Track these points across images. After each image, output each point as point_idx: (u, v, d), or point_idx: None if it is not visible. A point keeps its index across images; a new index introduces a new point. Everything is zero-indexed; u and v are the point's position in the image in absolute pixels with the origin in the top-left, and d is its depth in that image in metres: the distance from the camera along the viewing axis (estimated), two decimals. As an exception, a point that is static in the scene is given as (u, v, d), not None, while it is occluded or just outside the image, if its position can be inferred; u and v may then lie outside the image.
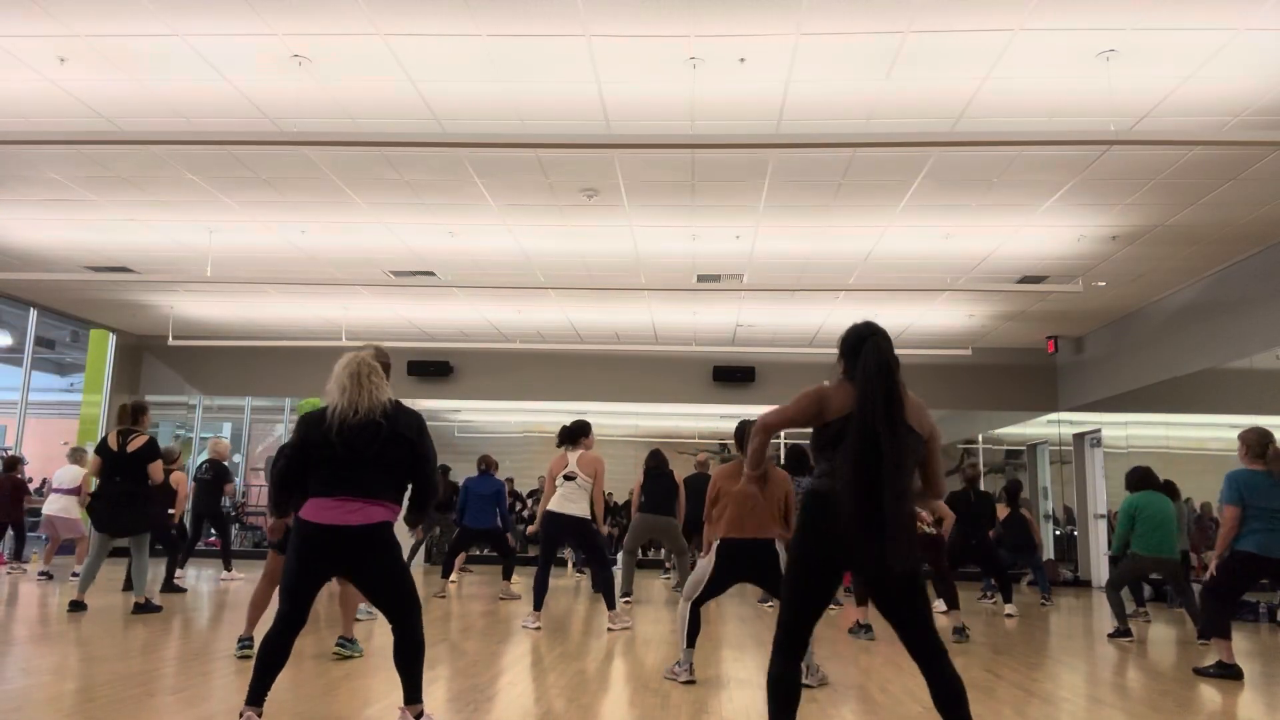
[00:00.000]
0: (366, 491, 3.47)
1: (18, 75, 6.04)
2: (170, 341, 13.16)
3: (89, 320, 14.11)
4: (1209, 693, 5.04)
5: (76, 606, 7.05)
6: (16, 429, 13.15)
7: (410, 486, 3.63)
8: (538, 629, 6.75)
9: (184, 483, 9.68)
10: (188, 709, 3.92)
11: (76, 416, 14.34)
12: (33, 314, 13.16)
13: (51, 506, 10.05)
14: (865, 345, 2.93)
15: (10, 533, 11.16)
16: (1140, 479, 7.42)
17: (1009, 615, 8.49)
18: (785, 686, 2.84)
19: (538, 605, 6.85)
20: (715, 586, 4.81)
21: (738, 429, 5.10)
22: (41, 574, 9.96)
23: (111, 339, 14.40)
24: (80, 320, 14.10)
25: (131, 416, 7.26)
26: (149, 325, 14.18)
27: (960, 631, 6.75)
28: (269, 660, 3.42)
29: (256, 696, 3.39)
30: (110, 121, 6.68)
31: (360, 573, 3.50)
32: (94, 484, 7.35)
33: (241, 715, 3.34)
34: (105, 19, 5.35)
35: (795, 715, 2.83)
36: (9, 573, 10.75)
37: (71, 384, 16.59)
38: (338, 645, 5.41)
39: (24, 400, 13.32)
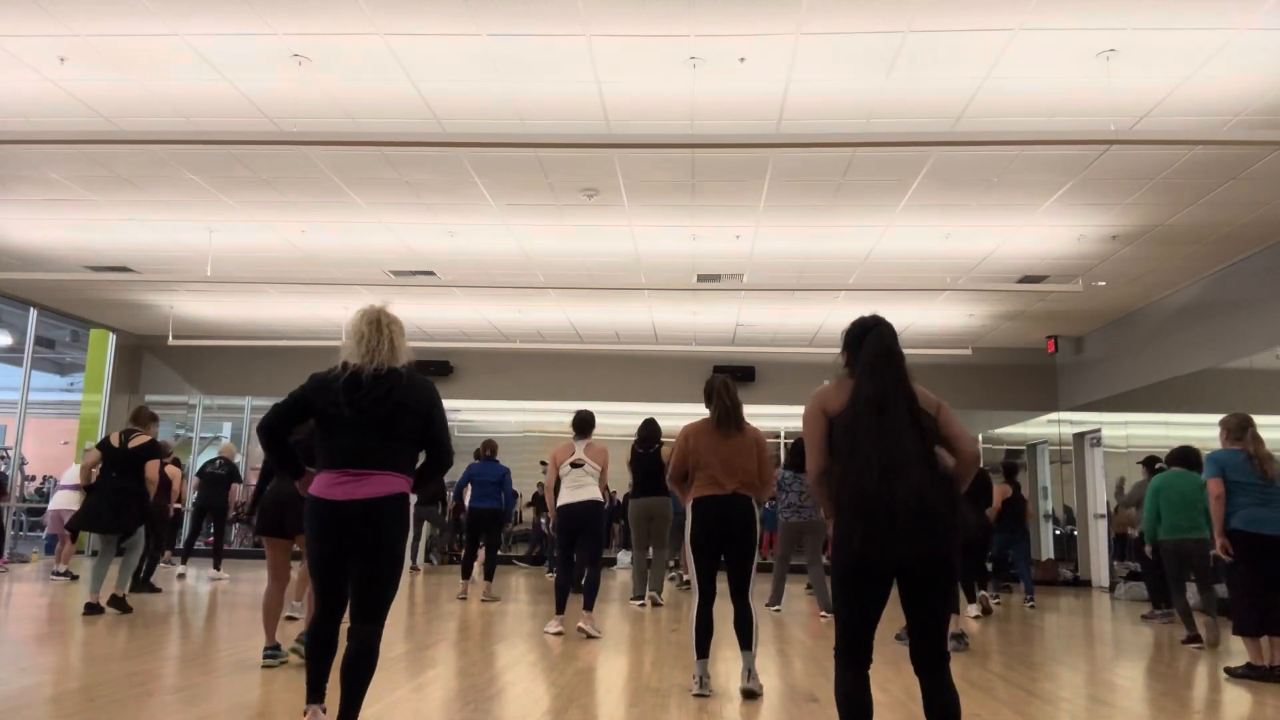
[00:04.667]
0: (379, 461, 3.20)
1: (18, 75, 6.04)
2: (170, 341, 13.16)
3: (89, 320, 14.12)
4: (1209, 693, 5.04)
5: (93, 609, 6.91)
6: (16, 429, 13.14)
7: (424, 455, 3.39)
8: (560, 634, 6.46)
9: (178, 476, 9.75)
10: (187, 709, 3.92)
11: (76, 416, 14.35)
12: (33, 314, 13.15)
13: (57, 502, 10.07)
14: (868, 337, 2.92)
15: None
16: (1172, 458, 7.25)
17: (974, 616, 8.23)
18: (856, 699, 2.72)
19: (560, 609, 6.59)
20: (703, 554, 4.55)
21: (706, 386, 4.80)
22: (55, 573, 9.87)
23: (111, 339, 14.40)
24: (80, 320, 14.10)
25: (145, 420, 7.39)
26: (149, 325, 14.18)
27: (959, 639, 6.36)
28: (318, 653, 3.24)
29: (316, 693, 3.22)
30: (110, 121, 6.68)
31: (361, 545, 3.15)
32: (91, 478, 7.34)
33: (305, 713, 3.22)
34: (105, 19, 5.34)
35: None
36: (3, 571, 10.75)
37: (71, 384, 16.59)
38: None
39: (24, 400, 13.32)
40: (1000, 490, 9.95)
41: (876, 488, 2.64)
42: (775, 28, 5.31)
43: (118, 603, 7.12)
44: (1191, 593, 7.28)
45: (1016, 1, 4.99)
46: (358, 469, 3.18)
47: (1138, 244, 9.01)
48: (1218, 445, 5.87)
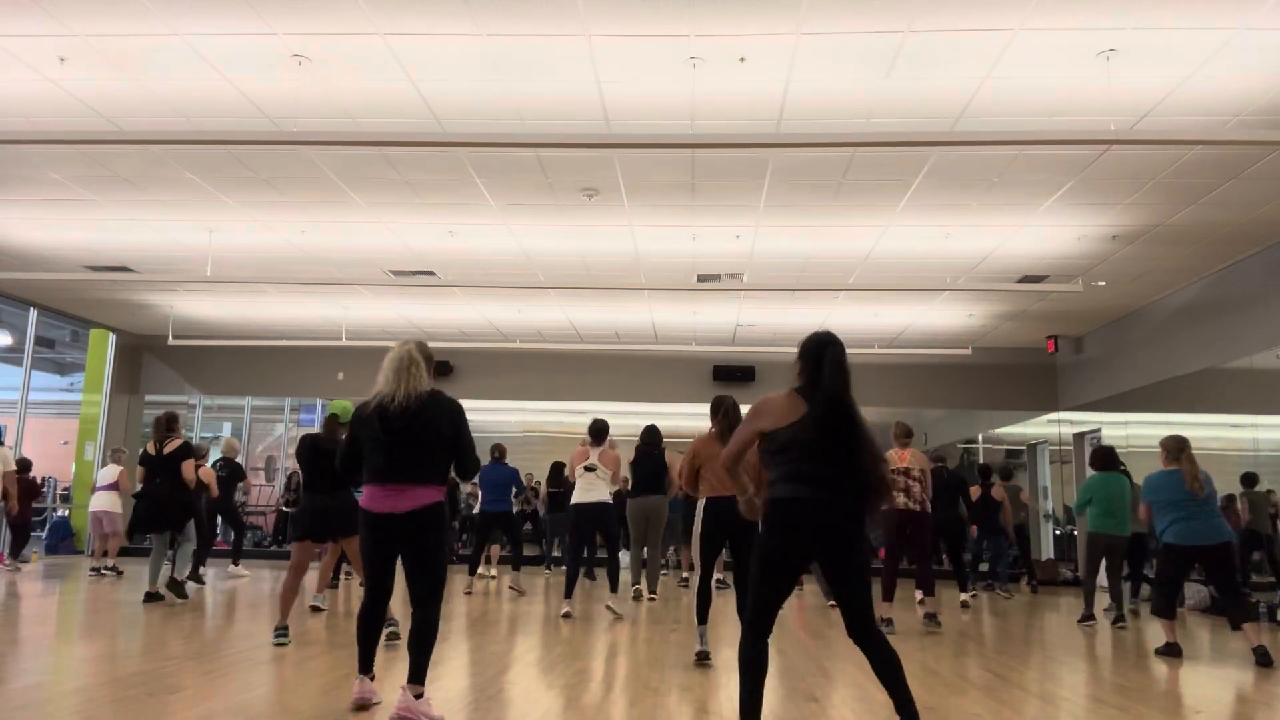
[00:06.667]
0: (413, 476, 3.76)
1: (18, 75, 6.05)
2: (170, 341, 13.17)
3: (89, 320, 14.12)
4: (1208, 692, 5.05)
5: (152, 597, 7.69)
6: (16, 429, 13.15)
7: (454, 465, 3.97)
8: (568, 615, 7.24)
9: (213, 478, 9.91)
10: (187, 709, 3.93)
11: (76, 416, 14.35)
12: (33, 314, 13.16)
13: (96, 504, 10.29)
14: (824, 355, 3.27)
15: (13, 531, 11.22)
16: (1103, 459, 7.97)
17: (964, 604, 8.95)
18: (757, 658, 3.20)
19: (568, 594, 7.37)
20: (709, 545, 5.27)
21: (714, 403, 5.44)
22: (93, 570, 10.14)
23: (111, 339, 14.40)
24: (80, 320, 14.10)
25: (166, 426, 7.95)
26: (149, 325, 14.18)
27: (932, 618, 7.11)
28: (366, 631, 3.91)
29: (366, 665, 3.93)
30: (110, 121, 6.69)
31: (408, 550, 3.79)
32: (137, 487, 8.17)
33: (356, 680, 3.92)
34: (105, 19, 5.35)
35: (763, 686, 3.20)
36: (6, 570, 10.76)
37: (71, 384, 16.59)
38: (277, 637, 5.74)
39: (24, 400, 13.32)
40: (972, 490, 10.22)
41: (830, 492, 3.14)
42: (775, 28, 5.31)
43: (175, 586, 7.85)
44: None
45: (1016, 1, 5.00)
46: (395, 484, 3.77)
47: (1138, 244, 9.01)
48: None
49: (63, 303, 13.08)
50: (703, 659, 5.26)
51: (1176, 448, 6.36)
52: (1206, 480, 6.26)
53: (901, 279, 10.34)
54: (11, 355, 13.96)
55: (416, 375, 3.86)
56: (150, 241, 9.72)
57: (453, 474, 4.04)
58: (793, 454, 3.17)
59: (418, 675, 3.72)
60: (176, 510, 7.85)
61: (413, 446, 3.77)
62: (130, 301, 12.71)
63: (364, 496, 3.83)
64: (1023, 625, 7.93)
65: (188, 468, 7.78)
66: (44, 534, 14.91)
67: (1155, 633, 7.73)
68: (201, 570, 9.38)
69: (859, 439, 3.18)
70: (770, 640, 3.24)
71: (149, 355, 15.16)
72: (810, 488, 3.14)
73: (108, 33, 5.51)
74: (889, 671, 3.11)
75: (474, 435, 3.96)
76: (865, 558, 3.21)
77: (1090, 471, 8.06)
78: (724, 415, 5.29)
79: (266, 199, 8.36)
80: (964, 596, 8.99)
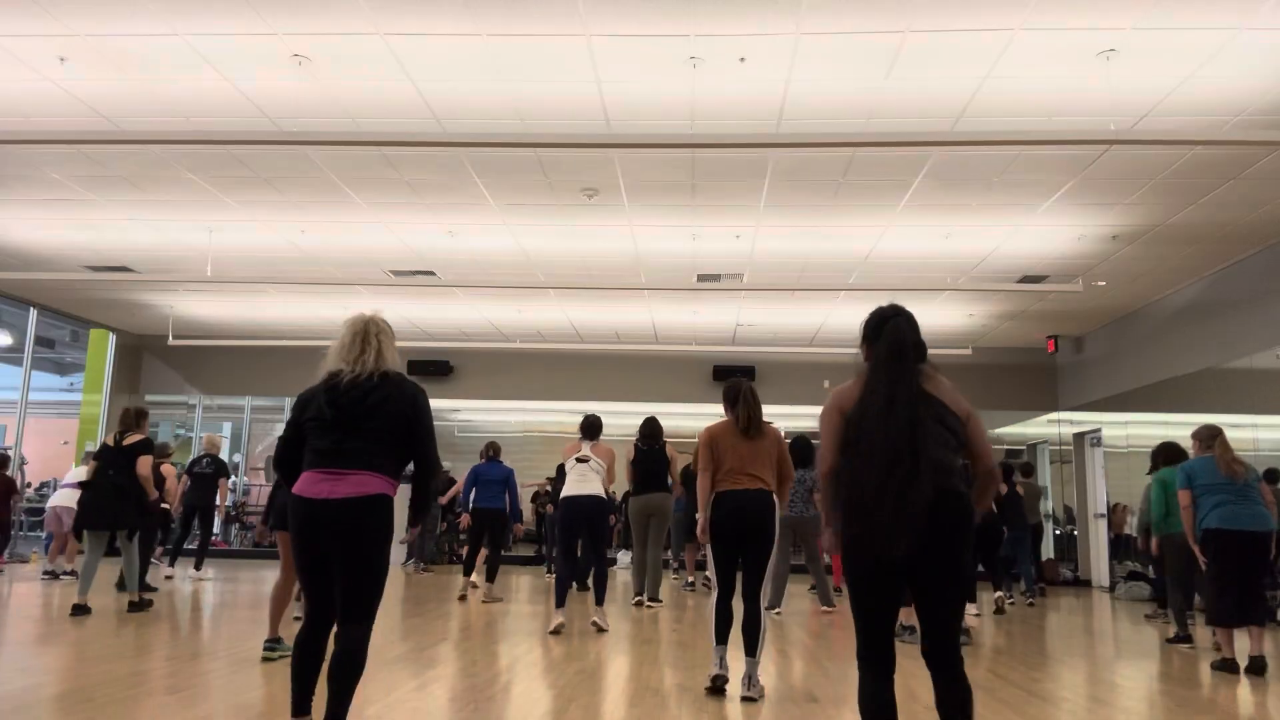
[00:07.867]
0: (358, 461, 3.15)
1: (18, 75, 6.04)
2: (170, 341, 13.16)
3: (89, 320, 14.12)
4: (1209, 692, 5.04)
5: (80, 610, 6.83)
6: (16, 429, 13.15)
7: (411, 466, 3.34)
8: (561, 626, 6.55)
9: (173, 474, 9.46)
10: (186, 709, 3.92)
11: (76, 416, 14.35)
12: (33, 314, 13.15)
13: (56, 499, 10.09)
14: (885, 328, 2.88)
15: None
16: (1169, 455, 7.16)
17: (998, 610, 8.58)
18: (878, 705, 2.66)
19: (560, 602, 6.63)
20: (723, 549, 4.56)
21: (728, 389, 4.82)
22: (47, 573, 9.93)
23: (111, 339, 14.41)
24: (80, 320, 14.11)
25: (134, 420, 7.35)
26: (149, 325, 14.18)
27: (964, 633, 6.66)
28: (303, 664, 3.19)
29: (300, 706, 3.16)
30: (110, 121, 6.68)
31: (343, 547, 3.11)
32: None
33: None
34: (105, 19, 5.35)
35: None
36: (1, 571, 10.74)
37: (71, 384, 16.60)
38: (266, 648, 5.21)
39: (24, 400, 13.32)
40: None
41: (878, 483, 2.59)
42: (775, 28, 5.31)
43: (135, 605, 7.14)
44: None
45: (1016, 1, 4.99)
46: (336, 469, 3.15)
47: (1138, 244, 9.01)
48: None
49: (63, 303, 13.08)
50: (718, 684, 4.56)
51: (1209, 436, 6.16)
52: (1247, 467, 6.05)
53: (901, 279, 10.34)
54: (11, 355, 13.96)
55: (385, 345, 3.31)
56: (150, 241, 9.72)
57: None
58: (855, 436, 2.72)
59: (337, 715, 3.03)
60: (125, 505, 7.06)
61: (362, 428, 3.17)
62: (130, 301, 12.71)
63: (299, 482, 3.18)
64: (1024, 625, 7.92)
65: (143, 464, 7.11)
66: (44, 534, 14.90)
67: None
68: (166, 574, 9.08)
69: (910, 419, 2.63)
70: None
71: (149, 355, 15.16)
72: (872, 480, 2.61)
73: (108, 33, 5.50)
74: (954, 711, 2.62)
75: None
76: (953, 565, 2.65)
77: (1147, 479, 7.44)
78: (742, 403, 4.67)
79: (266, 199, 8.36)
80: (998, 594, 8.72)
